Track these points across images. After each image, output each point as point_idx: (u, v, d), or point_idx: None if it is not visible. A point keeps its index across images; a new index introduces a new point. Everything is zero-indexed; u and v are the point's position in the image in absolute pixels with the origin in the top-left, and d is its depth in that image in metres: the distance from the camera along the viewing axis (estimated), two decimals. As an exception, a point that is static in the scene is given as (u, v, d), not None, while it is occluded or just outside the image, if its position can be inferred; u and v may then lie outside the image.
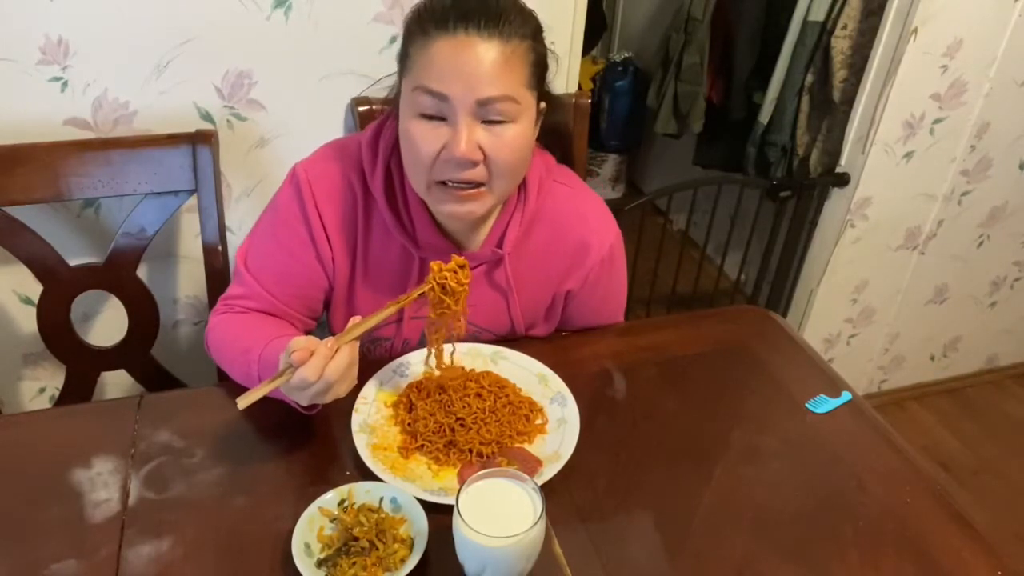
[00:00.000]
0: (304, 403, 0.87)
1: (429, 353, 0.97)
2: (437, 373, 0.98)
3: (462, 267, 0.90)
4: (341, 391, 0.86)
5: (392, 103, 0.98)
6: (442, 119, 0.87)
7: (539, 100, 0.94)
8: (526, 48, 0.88)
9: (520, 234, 1.03)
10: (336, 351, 0.83)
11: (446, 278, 0.89)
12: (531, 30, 0.89)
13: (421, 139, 0.88)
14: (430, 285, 0.90)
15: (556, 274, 1.08)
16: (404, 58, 0.91)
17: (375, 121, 1.01)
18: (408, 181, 0.97)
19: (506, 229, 1.03)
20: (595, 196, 1.11)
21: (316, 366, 0.81)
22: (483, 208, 0.94)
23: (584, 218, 1.07)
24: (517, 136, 0.90)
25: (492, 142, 0.88)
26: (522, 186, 1.02)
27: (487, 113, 0.87)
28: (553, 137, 1.05)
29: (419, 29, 0.87)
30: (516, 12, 0.88)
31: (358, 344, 0.88)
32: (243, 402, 0.83)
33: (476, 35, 0.84)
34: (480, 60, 0.84)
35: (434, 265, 0.90)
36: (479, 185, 0.91)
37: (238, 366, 0.98)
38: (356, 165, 1.01)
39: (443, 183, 0.91)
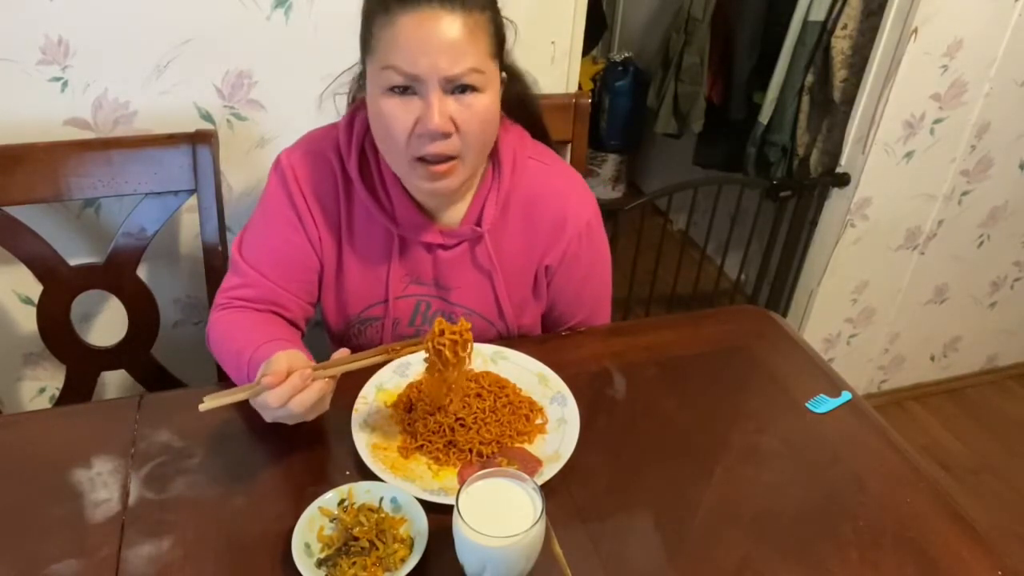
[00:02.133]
0: (267, 420, 0.87)
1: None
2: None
3: (465, 339, 0.87)
4: (307, 418, 0.87)
5: (362, 91, 0.99)
6: (413, 93, 0.88)
7: (500, 70, 0.95)
8: (487, 19, 0.89)
9: (498, 212, 1.05)
10: (308, 383, 0.83)
11: (444, 345, 0.87)
12: (489, 2, 0.91)
13: (394, 116, 0.90)
14: (426, 346, 0.88)
15: (536, 250, 1.09)
16: (367, 38, 0.91)
17: (352, 107, 1.04)
18: (383, 161, 0.99)
19: (483, 207, 1.04)
20: (571, 171, 1.12)
21: (282, 395, 0.81)
22: (457, 181, 0.96)
23: (560, 193, 1.08)
24: (486, 106, 0.91)
25: (463, 113, 0.89)
26: (496, 163, 1.04)
27: (456, 85, 0.88)
28: (519, 109, 1.07)
29: (381, 7, 0.88)
30: None
31: (336, 380, 0.88)
32: (205, 406, 0.82)
33: (439, 8, 0.85)
34: (445, 34, 0.85)
35: (436, 326, 0.88)
36: (452, 158, 0.92)
37: (231, 366, 0.98)
38: (335, 149, 1.03)
39: (420, 159, 0.92)
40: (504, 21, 0.95)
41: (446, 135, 0.89)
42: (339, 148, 1.03)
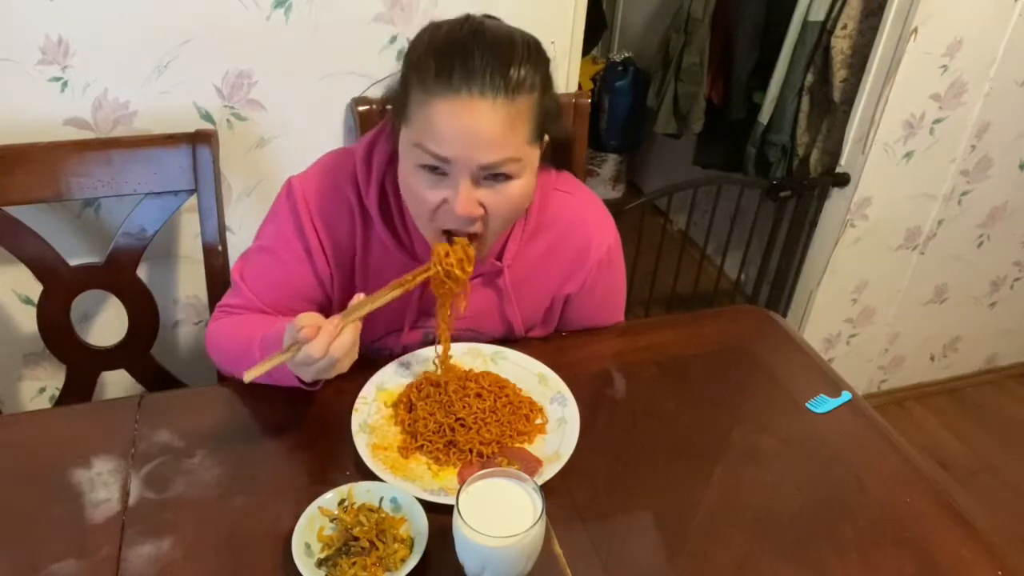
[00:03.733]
0: (308, 379, 0.89)
1: (436, 347, 0.98)
2: (439, 371, 0.99)
3: (468, 255, 0.90)
4: (344, 367, 0.87)
5: (389, 112, 0.96)
6: (443, 173, 0.86)
7: (542, 140, 0.92)
8: (532, 103, 0.85)
9: (521, 246, 1.03)
10: (341, 329, 0.84)
11: (452, 265, 0.90)
12: (540, 80, 0.86)
13: (422, 192, 0.88)
14: (435, 270, 0.91)
15: (555, 279, 1.08)
16: (403, 101, 0.87)
17: (368, 134, 1.00)
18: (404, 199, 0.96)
19: (507, 242, 1.03)
20: (594, 198, 1.10)
21: (322, 344, 0.82)
22: (481, 251, 0.94)
23: (584, 223, 1.07)
24: (519, 190, 0.89)
25: (493, 198, 0.87)
26: None
27: (488, 174, 0.86)
28: (554, 147, 1.05)
29: (419, 79, 0.83)
30: (526, 63, 0.84)
31: (361, 322, 0.88)
32: (250, 375, 0.83)
33: (479, 97, 0.81)
34: (482, 125, 0.81)
35: (440, 248, 0.90)
36: (475, 234, 0.91)
37: (239, 356, 0.97)
38: (351, 180, 1.00)
39: (444, 230, 0.91)
40: (552, 96, 0.90)
41: (472, 220, 0.88)
42: (356, 180, 0.99)
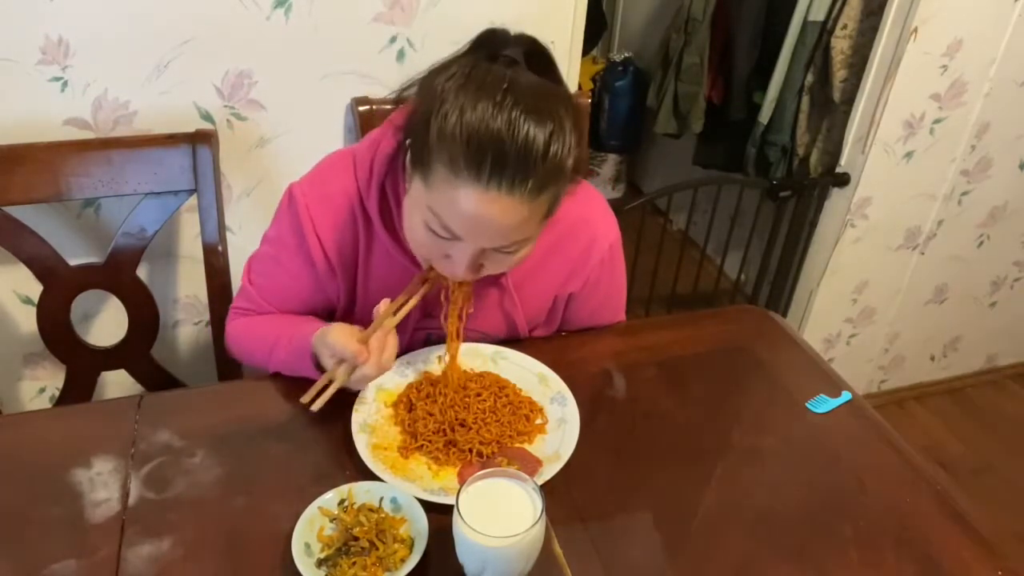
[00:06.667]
0: (356, 389, 0.94)
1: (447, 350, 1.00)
2: (445, 368, 1.00)
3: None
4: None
5: (394, 111, 0.95)
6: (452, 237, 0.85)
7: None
8: (549, 196, 0.83)
9: None
10: (384, 341, 0.89)
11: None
12: (569, 160, 0.82)
13: (427, 244, 0.87)
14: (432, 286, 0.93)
15: (558, 277, 1.08)
16: (426, 153, 0.81)
17: (369, 136, 0.99)
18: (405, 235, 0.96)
19: None
20: (597, 196, 1.10)
21: (376, 363, 0.88)
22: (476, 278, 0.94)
23: (587, 222, 1.06)
24: (521, 256, 0.89)
25: (495, 261, 0.88)
26: None
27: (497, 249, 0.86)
28: None
29: (449, 154, 0.78)
30: (554, 166, 0.80)
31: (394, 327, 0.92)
32: (316, 404, 0.88)
33: (506, 194, 0.78)
34: (504, 219, 0.80)
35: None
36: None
37: (266, 355, 1.01)
38: (352, 183, 0.99)
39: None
40: (568, 171, 0.85)
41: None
42: (357, 183, 0.99)
